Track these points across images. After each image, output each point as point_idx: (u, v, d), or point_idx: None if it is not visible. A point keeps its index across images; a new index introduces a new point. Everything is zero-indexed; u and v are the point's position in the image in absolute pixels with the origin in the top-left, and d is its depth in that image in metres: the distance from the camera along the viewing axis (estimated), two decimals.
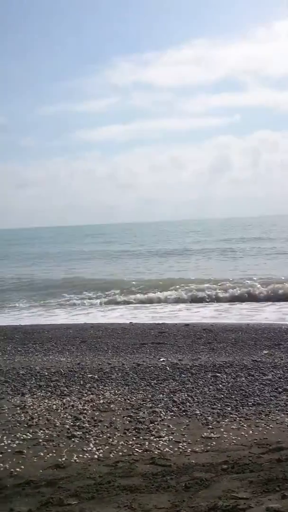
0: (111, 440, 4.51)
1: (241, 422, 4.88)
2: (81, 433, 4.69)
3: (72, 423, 4.95)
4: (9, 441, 4.53)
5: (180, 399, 5.62)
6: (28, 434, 4.70)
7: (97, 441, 4.49)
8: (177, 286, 17.52)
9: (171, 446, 4.33)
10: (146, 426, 4.80)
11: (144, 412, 5.21)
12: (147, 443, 4.41)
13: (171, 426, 4.81)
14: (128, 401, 5.63)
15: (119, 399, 5.71)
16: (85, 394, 5.94)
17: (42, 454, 4.24)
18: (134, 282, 19.09)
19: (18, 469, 3.95)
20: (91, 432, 4.71)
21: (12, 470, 3.94)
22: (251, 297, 15.64)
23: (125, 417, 5.08)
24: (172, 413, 5.18)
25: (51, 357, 8.34)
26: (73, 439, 4.55)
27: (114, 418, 5.06)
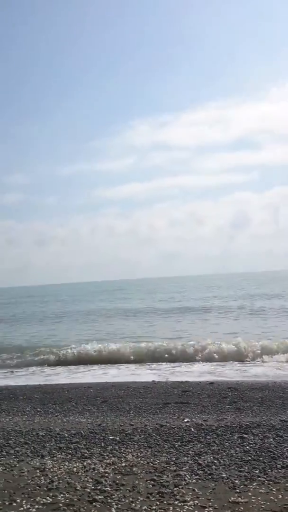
0: (133, 505, 4.30)
1: (270, 485, 4.63)
2: (102, 497, 4.49)
3: (93, 487, 4.75)
4: (28, 506, 4.35)
5: (206, 461, 5.39)
6: (48, 498, 4.52)
7: (119, 505, 4.29)
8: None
9: (196, 511, 4.11)
10: (170, 490, 4.59)
11: (168, 476, 5.00)
12: (171, 508, 4.20)
13: (196, 490, 4.58)
14: (151, 464, 5.42)
15: (142, 462, 5.50)
16: (107, 457, 5.74)
17: None
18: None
19: None
20: (113, 496, 4.51)
21: None
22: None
23: (148, 481, 4.87)
24: (197, 477, 4.95)
25: (71, 418, 8.15)
26: (94, 503, 4.36)
27: (136, 482, 4.86)
